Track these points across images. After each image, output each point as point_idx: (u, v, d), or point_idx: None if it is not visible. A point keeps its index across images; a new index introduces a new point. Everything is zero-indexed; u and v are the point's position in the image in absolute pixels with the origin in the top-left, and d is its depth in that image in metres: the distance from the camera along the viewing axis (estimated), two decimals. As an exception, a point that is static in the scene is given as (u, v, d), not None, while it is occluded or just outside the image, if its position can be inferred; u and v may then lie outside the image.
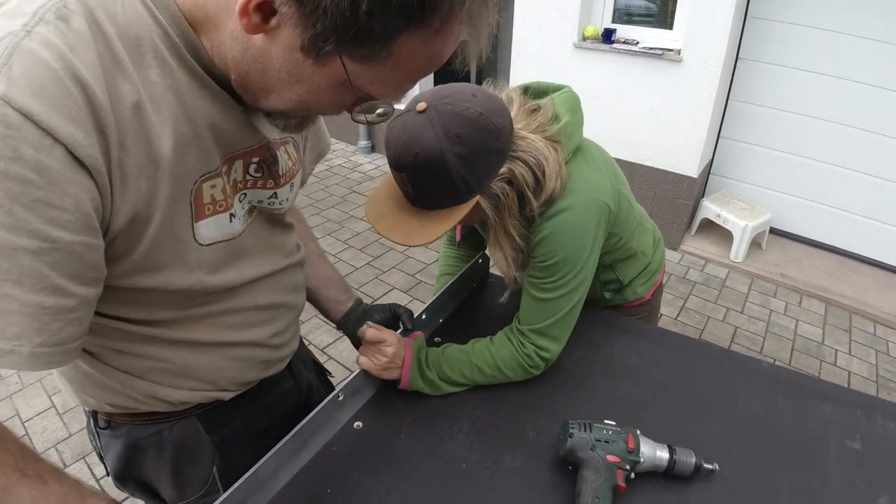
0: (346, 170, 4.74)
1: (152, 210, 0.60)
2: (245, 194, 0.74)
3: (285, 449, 0.87)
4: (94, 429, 0.87)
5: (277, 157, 0.77)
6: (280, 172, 0.79)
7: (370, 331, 1.07)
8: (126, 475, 0.90)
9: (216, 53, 0.59)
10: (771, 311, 3.19)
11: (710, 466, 0.92)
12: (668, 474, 0.92)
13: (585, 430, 0.90)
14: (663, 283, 1.47)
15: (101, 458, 0.91)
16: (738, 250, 3.52)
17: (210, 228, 0.68)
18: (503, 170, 0.95)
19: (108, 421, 0.85)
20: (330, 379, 1.23)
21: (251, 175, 0.74)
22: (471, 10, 0.52)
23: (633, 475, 0.89)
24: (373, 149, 5.09)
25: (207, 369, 0.80)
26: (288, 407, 1.00)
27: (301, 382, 1.02)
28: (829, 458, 0.99)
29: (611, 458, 0.87)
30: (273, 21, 0.51)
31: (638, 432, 0.92)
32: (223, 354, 0.80)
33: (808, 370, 2.74)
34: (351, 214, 3.97)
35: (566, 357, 1.19)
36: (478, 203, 0.95)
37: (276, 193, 0.80)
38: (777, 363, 1.24)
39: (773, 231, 3.74)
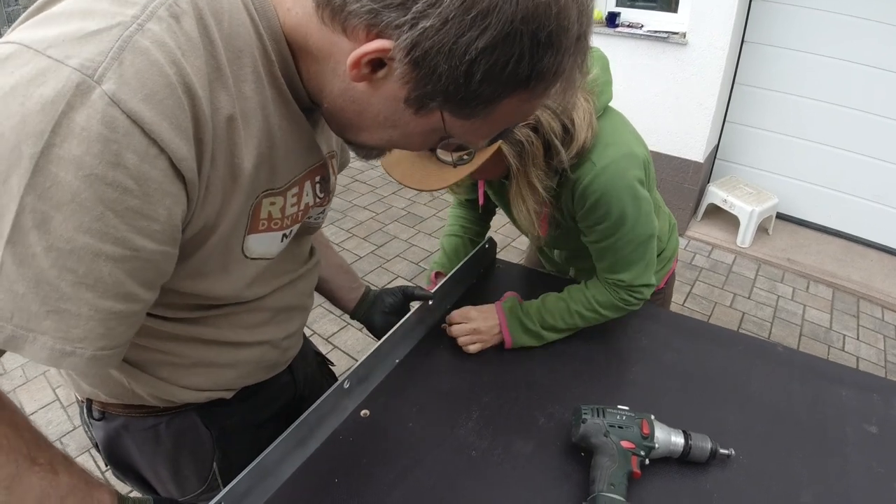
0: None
1: (219, 222, 0.59)
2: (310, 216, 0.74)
3: (291, 438, 0.85)
4: (87, 419, 0.85)
5: (330, 172, 0.76)
6: (331, 187, 0.79)
7: (454, 327, 1.13)
8: (124, 467, 0.88)
9: (311, 80, 0.59)
10: (778, 296, 3.16)
11: (725, 452, 0.90)
12: (684, 460, 0.90)
13: (598, 416, 0.88)
14: (675, 271, 1.45)
15: (98, 448, 0.89)
16: (745, 236, 3.49)
17: (259, 243, 0.67)
18: None
19: (102, 412, 0.82)
20: (332, 368, 1.20)
21: (318, 196, 0.74)
22: (570, 75, 0.54)
23: (647, 461, 0.87)
24: (374, 138, 5.04)
25: (218, 368, 0.78)
26: (285, 402, 0.98)
27: (298, 377, 1.00)
28: (847, 442, 0.97)
29: (625, 443, 0.85)
30: (381, 73, 0.51)
31: (652, 417, 0.89)
32: (236, 354, 0.79)
33: (817, 356, 2.72)
34: (354, 203, 3.94)
35: (576, 341, 1.18)
36: (500, 151, 0.92)
37: (324, 209, 0.80)
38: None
39: (779, 216, 3.71)
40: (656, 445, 0.86)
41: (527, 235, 1.28)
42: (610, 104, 1.06)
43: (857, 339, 2.89)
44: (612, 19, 3.44)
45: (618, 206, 1.00)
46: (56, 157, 0.43)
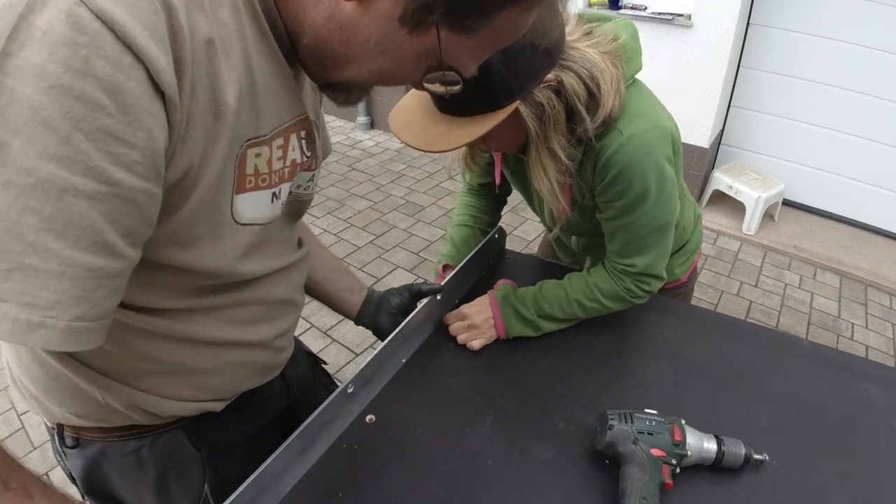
0: (346, 147, 4.62)
1: (204, 169, 0.51)
2: (294, 178, 0.67)
3: (291, 449, 0.78)
4: (59, 448, 0.76)
5: (315, 133, 0.69)
6: (318, 152, 0.71)
7: (451, 326, 1.09)
8: (104, 498, 0.79)
9: (289, 13, 0.53)
10: (786, 284, 3.11)
11: (759, 457, 0.84)
12: (716, 467, 0.83)
13: (626, 421, 0.81)
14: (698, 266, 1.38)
15: (73, 481, 0.80)
16: (751, 222, 3.42)
17: (249, 205, 0.60)
18: (550, 76, 0.85)
19: (75, 438, 0.73)
20: (328, 367, 1.13)
21: (305, 154, 0.67)
22: None
23: (678, 470, 0.81)
24: (372, 125, 4.96)
25: (205, 374, 0.70)
26: (279, 410, 0.91)
27: (291, 382, 0.93)
28: (880, 442, 0.92)
29: (655, 452, 0.78)
30: None
31: (683, 422, 0.83)
32: (225, 357, 0.71)
33: (826, 345, 2.67)
34: (351, 192, 3.86)
35: (591, 337, 1.12)
36: (518, 116, 0.85)
37: (313, 175, 0.73)
38: (815, 341, 1.17)
39: (785, 202, 3.64)
40: (688, 453, 0.80)
41: (543, 220, 1.20)
42: (637, 77, 0.98)
43: (866, 327, 2.84)
44: (615, 0, 3.35)
45: (640, 182, 0.93)
46: (13, 68, 0.37)
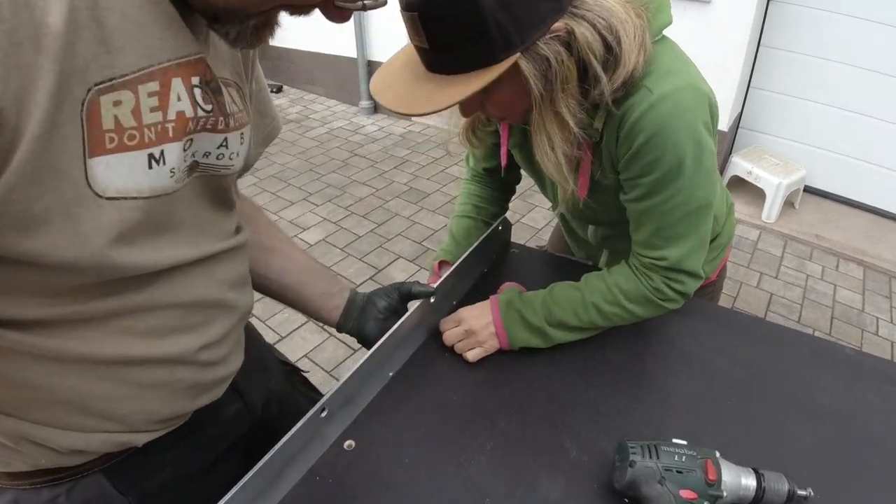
0: (348, 132, 4.49)
1: (25, 117, 0.39)
2: (192, 140, 0.53)
3: (252, 484, 0.66)
4: None
5: (220, 85, 0.55)
6: (228, 110, 0.57)
7: (446, 333, 0.96)
8: None
9: None
10: (807, 275, 2.96)
11: (803, 493, 0.71)
12: (753, 506, 0.71)
13: (651, 456, 0.68)
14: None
15: None
16: (771, 210, 3.27)
17: (113, 172, 0.45)
18: (558, 26, 0.71)
19: None
20: (314, 376, 1.00)
21: (201, 108, 0.52)
22: None
23: (711, 512, 0.68)
24: (375, 109, 4.82)
25: (105, 400, 0.57)
26: (238, 435, 0.78)
27: (252, 400, 0.79)
28: (941, 469, 0.79)
29: (685, 494, 0.65)
30: None
31: (717, 455, 0.70)
32: (131, 377, 0.57)
33: (850, 341, 2.52)
34: (353, 179, 3.73)
35: (607, 346, 0.98)
36: (518, 69, 0.71)
37: (226, 140, 0.58)
38: (860, 349, 1.03)
39: (806, 189, 3.48)
40: (724, 494, 0.67)
41: (553, 202, 1.06)
42: (666, 33, 0.83)
43: (891, 321, 2.69)
44: (629, -24, 3.19)
45: (674, 152, 0.78)
46: None
